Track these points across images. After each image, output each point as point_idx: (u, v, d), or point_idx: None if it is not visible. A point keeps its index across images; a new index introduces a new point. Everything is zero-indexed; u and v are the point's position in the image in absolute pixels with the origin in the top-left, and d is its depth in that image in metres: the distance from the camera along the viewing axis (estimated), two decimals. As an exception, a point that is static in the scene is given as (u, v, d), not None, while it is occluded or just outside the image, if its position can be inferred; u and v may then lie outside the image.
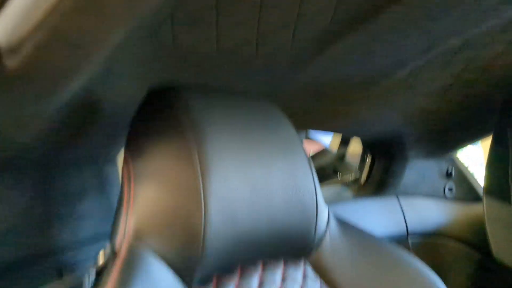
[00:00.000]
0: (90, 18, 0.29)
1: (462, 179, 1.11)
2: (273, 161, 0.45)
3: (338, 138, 1.48)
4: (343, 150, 1.42)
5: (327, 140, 1.55)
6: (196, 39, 0.46)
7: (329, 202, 0.96)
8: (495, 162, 0.81)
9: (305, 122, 0.91)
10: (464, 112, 0.86)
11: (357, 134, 1.07)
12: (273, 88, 0.64)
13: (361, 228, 0.56)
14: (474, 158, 1.52)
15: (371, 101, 0.76)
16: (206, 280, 0.43)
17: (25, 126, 0.47)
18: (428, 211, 1.05)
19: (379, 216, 0.98)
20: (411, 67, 0.63)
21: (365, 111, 0.83)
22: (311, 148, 1.55)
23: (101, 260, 0.39)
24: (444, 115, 0.88)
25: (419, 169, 1.07)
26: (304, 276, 0.49)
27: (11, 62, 0.32)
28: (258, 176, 0.43)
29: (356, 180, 1.15)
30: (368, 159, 1.12)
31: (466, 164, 1.14)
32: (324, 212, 0.51)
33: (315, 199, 0.48)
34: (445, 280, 1.05)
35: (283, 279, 0.48)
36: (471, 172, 1.13)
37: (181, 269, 0.40)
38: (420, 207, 1.05)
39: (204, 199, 0.39)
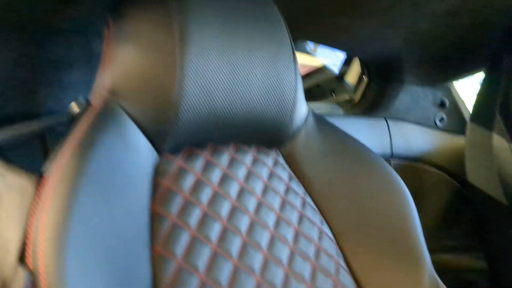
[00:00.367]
0: None
1: (454, 110, 1.12)
2: (256, 47, 0.45)
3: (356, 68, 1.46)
4: (343, 70, 1.41)
5: (331, 59, 1.53)
6: None
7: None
8: (485, 90, 0.81)
9: (305, 33, 0.90)
10: (466, 41, 0.85)
11: (356, 52, 1.05)
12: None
13: (342, 129, 0.57)
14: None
15: (374, 17, 0.75)
16: (176, 150, 0.45)
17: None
18: (415, 137, 1.08)
19: (365, 135, 1.00)
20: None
21: (367, 28, 0.81)
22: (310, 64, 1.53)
23: (75, 109, 0.41)
24: (446, 41, 0.87)
25: (413, 95, 1.07)
26: (275, 163, 0.52)
27: None
28: (239, 59, 0.44)
29: (350, 100, 1.16)
30: (365, 80, 1.12)
31: (462, 97, 1.15)
32: (302, 106, 0.52)
33: (294, 91, 0.49)
34: (421, 203, 1.11)
35: (253, 162, 0.50)
36: (466, 105, 1.14)
37: (153, 134, 0.42)
38: (408, 132, 1.07)
39: (180, 67, 0.40)
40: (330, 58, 1.50)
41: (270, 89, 0.47)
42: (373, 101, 1.07)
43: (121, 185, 0.36)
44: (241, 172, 0.48)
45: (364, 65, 1.13)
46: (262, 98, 0.46)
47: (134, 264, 0.34)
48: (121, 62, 0.41)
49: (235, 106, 0.44)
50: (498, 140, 0.75)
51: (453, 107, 1.12)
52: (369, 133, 1.02)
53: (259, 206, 0.47)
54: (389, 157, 1.03)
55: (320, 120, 0.57)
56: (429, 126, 1.11)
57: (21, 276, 0.29)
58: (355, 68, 1.31)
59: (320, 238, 0.49)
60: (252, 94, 0.45)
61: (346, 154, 0.55)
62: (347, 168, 0.53)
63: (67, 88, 0.62)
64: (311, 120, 0.55)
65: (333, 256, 0.48)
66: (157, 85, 0.40)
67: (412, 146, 1.07)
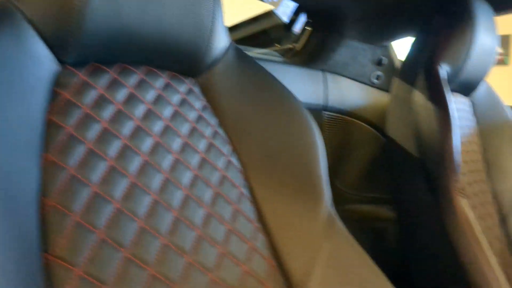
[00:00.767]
0: None
1: (391, 69, 1.16)
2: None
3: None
4: (293, 19, 1.40)
5: (282, 6, 1.51)
6: None
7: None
8: (414, 49, 0.84)
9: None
10: (403, 1, 0.87)
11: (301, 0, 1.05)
12: None
13: (264, 68, 0.58)
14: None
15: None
16: (81, 64, 0.44)
17: None
18: (350, 92, 1.11)
19: (301, 84, 1.02)
20: None
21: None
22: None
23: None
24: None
25: (352, 50, 1.09)
26: (189, 92, 0.52)
27: None
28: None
29: (292, 49, 1.16)
30: (307, 30, 1.13)
31: (399, 57, 1.18)
32: (222, 37, 0.52)
33: (211, 19, 0.49)
34: (349, 155, 1.16)
35: (165, 87, 0.50)
36: (401, 65, 1.17)
37: (53, 42, 0.40)
38: (343, 86, 1.10)
39: None
40: (281, 6, 1.48)
41: (186, 13, 0.46)
42: (313, 52, 1.08)
43: (13, 91, 0.35)
44: (150, 95, 0.48)
45: (308, 14, 1.12)
46: (178, 21, 0.46)
47: (19, 169, 0.34)
48: None
49: (147, 25, 0.43)
50: (418, 97, 0.79)
51: (390, 66, 1.15)
52: (305, 83, 1.03)
53: (165, 129, 0.47)
54: (322, 109, 1.06)
55: (242, 55, 0.57)
56: (365, 83, 1.15)
57: None
58: (303, 18, 1.30)
59: (226, 167, 0.50)
60: (167, 15, 0.44)
61: (262, 90, 0.56)
62: (261, 104, 0.54)
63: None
64: (231, 53, 0.55)
65: (237, 185, 0.50)
66: None
67: (346, 100, 1.10)
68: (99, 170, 0.39)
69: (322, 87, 1.06)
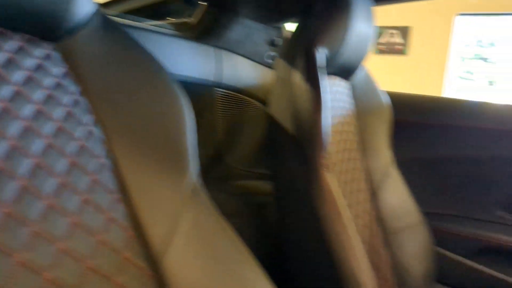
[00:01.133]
0: None
1: (284, 50, 1.19)
2: None
3: None
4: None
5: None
6: None
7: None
8: (297, 31, 0.88)
9: None
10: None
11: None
12: None
13: (135, 39, 0.57)
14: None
15: None
16: None
17: None
18: (243, 70, 1.13)
19: (192, 59, 1.01)
20: None
21: None
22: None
23: None
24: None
25: (247, 29, 1.11)
26: (47, 57, 0.49)
27: None
28: None
29: (187, 24, 1.15)
30: (203, 5, 1.12)
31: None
32: (85, 1, 0.50)
33: None
34: (241, 132, 1.18)
35: (18, 50, 0.47)
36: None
37: None
38: (236, 64, 1.11)
39: None
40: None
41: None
42: (207, 27, 1.08)
43: None
44: (-3, 57, 0.44)
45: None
46: None
47: None
48: None
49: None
50: (297, 78, 0.82)
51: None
52: (197, 58, 1.03)
53: (15, 94, 0.44)
54: (215, 85, 1.07)
55: (111, 24, 0.55)
56: (258, 62, 1.17)
57: None
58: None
59: (87, 138, 0.49)
60: None
61: (130, 61, 0.54)
62: (129, 74, 0.53)
63: None
64: (98, 20, 0.53)
65: (98, 155, 0.49)
66: None
67: (239, 78, 1.11)
68: None
69: (215, 64, 1.06)
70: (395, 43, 4.59)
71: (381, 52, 4.66)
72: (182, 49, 0.99)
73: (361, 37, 0.89)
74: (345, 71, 0.96)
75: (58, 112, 0.48)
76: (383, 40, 4.64)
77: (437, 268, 1.05)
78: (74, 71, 0.51)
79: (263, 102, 1.16)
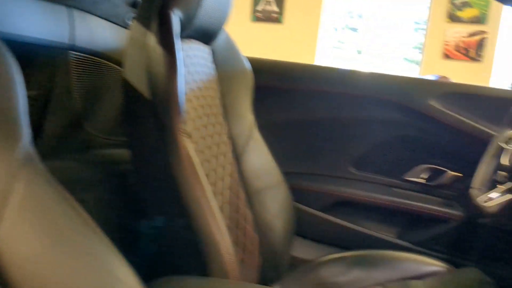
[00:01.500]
0: None
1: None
2: None
3: None
4: None
5: None
6: None
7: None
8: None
9: None
10: None
11: None
12: None
13: None
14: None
15: None
16: None
17: None
18: (100, 32, 1.06)
19: (42, 20, 0.92)
20: None
21: None
22: None
23: None
24: None
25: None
26: None
27: None
28: None
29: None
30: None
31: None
32: None
33: None
34: (101, 98, 1.12)
35: None
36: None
37: None
38: (93, 26, 1.04)
39: None
40: None
41: None
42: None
43: None
44: None
45: None
46: None
47: None
48: None
49: None
50: (151, 40, 0.80)
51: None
52: (47, 18, 0.93)
53: None
54: (68, 48, 0.99)
55: None
56: (118, 24, 1.11)
57: None
58: None
59: None
60: None
61: None
62: None
63: None
64: None
65: None
66: None
67: (96, 41, 1.04)
68: None
69: (68, 25, 0.98)
70: (271, 11, 4.71)
71: (258, 19, 4.76)
72: (31, 9, 0.89)
73: (219, 1, 0.89)
74: (205, 35, 0.96)
75: None
76: (259, 7, 4.73)
77: (296, 223, 1.14)
78: None
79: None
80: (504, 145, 0.94)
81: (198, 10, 0.84)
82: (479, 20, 4.57)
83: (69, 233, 0.51)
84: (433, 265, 1.04)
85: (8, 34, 0.81)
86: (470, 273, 1.01)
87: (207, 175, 0.89)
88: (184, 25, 0.85)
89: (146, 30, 0.81)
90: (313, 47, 4.80)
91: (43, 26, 0.92)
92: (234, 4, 1.03)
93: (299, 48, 4.68)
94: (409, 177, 1.32)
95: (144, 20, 0.82)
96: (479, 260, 1.22)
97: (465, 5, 4.51)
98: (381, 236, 1.32)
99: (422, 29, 4.85)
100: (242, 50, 1.12)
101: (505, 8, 4.25)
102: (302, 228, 1.30)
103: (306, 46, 4.75)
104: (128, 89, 0.83)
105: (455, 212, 1.26)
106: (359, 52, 5.59)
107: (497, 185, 0.92)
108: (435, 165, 1.30)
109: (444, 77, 3.42)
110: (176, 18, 0.81)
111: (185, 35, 0.90)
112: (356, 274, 1.03)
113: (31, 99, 0.92)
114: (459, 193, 1.26)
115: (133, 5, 1.12)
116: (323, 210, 1.35)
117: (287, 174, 1.12)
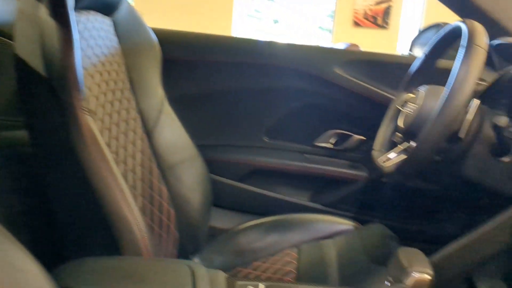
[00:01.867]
0: None
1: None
2: None
3: None
4: None
5: None
6: None
7: None
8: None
9: None
10: None
11: None
12: None
13: None
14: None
15: None
16: None
17: None
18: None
19: None
20: None
21: None
22: None
23: None
24: None
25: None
26: None
27: None
28: None
29: None
30: None
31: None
32: None
33: None
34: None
35: None
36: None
37: None
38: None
39: None
40: None
41: None
42: None
43: None
44: None
45: None
46: None
47: None
48: None
49: None
50: (43, 13, 0.74)
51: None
52: None
53: None
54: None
55: None
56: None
57: None
58: None
59: None
60: None
61: None
62: None
63: None
64: None
65: None
66: None
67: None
68: None
69: None
70: (184, -21, 4.56)
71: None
72: None
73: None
74: (104, 6, 0.91)
75: None
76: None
77: (214, 194, 1.15)
78: None
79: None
80: (400, 108, 1.01)
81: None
82: (385, -11, 4.80)
83: None
84: (343, 223, 1.12)
85: None
86: (375, 229, 1.10)
87: (116, 153, 0.86)
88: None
89: (36, 1, 0.75)
90: (229, 16, 4.76)
91: None
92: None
93: (214, 18, 4.61)
94: (318, 143, 1.39)
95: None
96: (383, 216, 1.33)
97: (372, -26, 4.71)
98: (295, 201, 1.39)
99: (334, -3, 5.00)
100: (157, 22, 1.09)
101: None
102: (220, 198, 1.32)
103: (221, 15, 4.69)
104: (21, 66, 0.77)
105: (361, 173, 1.36)
106: (275, 22, 5.63)
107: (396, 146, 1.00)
108: (342, 130, 1.38)
109: (354, 44, 3.56)
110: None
111: (82, 6, 0.84)
112: (272, 238, 1.07)
113: None
114: (364, 156, 1.35)
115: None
116: (240, 180, 1.38)
117: (202, 147, 1.12)
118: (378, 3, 4.88)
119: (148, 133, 1.00)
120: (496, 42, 0.96)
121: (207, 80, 1.33)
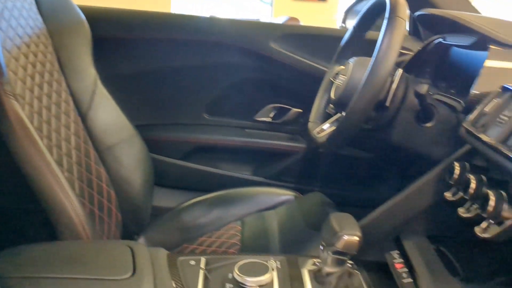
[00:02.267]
0: None
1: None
2: None
3: None
4: None
5: None
6: None
7: None
8: None
9: None
10: None
11: None
12: None
13: None
14: None
15: None
16: None
17: None
18: None
19: None
20: None
21: None
22: None
23: None
24: None
25: None
26: None
27: None
28: None
29: None
30: None
31: None
32: None
33: None
34: None
35: None
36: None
37: None
38: None
39: None
40: None
41: None
42: None
43: None
44: None
45: None
46: None
47: None
48: None
49: None
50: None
51: None
52: None
53: None
54: None
55: None
56: None
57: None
58: None
59: None
60: None
61: None
62: None
63: None
64: None
65: None
66: None
67: None
68: None
69: None
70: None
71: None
72: None
73: None
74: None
75: None
76: None
77: (156, 173, 1.15)
78: None
79: None
80: (332, 80, 1.05)
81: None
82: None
83: None
84: (284, 194, 1.16)
85: None
86: (314, 198, 1.15)
87: (48, 138, 0.83)
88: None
89: None
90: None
91: None
92: None
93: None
94: (258, 117, 1.42)
95: None
96: (322, 185, 1.39)
97: None
98: (238, 175, 1.41)
99: (273, -30, 4.97)
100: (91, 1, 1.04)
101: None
102: (163, 178, 1.32)
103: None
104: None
105: (299, 145, 1.40)
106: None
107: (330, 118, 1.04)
108: (281, 103, 1.41)
109: (294, 18, 3.58)
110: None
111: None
112: (216, 213, 1.09)
113: None
114: (302, 128, 1.39)
115: None
116: (182, 158, 1.38)
117: (141, 127, 1.11)
118: (317, -24, 4.92)
119: (82, 115, 0.97)
120: (418, 13, 1.02)
121: (143, 58, 1.31)
